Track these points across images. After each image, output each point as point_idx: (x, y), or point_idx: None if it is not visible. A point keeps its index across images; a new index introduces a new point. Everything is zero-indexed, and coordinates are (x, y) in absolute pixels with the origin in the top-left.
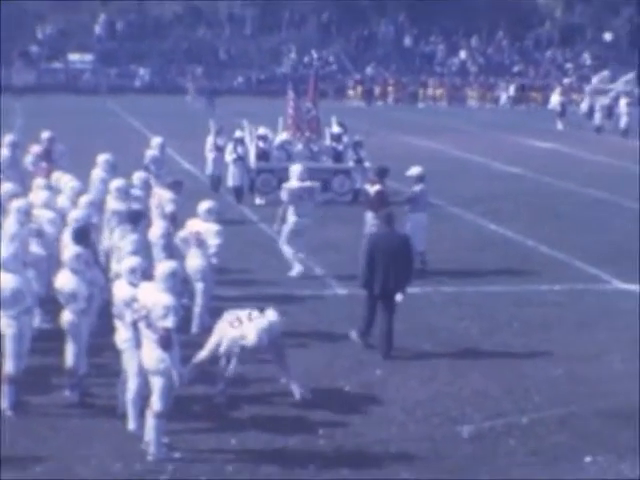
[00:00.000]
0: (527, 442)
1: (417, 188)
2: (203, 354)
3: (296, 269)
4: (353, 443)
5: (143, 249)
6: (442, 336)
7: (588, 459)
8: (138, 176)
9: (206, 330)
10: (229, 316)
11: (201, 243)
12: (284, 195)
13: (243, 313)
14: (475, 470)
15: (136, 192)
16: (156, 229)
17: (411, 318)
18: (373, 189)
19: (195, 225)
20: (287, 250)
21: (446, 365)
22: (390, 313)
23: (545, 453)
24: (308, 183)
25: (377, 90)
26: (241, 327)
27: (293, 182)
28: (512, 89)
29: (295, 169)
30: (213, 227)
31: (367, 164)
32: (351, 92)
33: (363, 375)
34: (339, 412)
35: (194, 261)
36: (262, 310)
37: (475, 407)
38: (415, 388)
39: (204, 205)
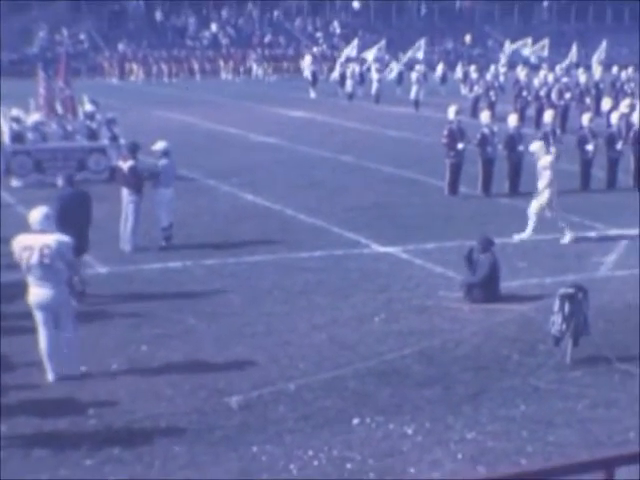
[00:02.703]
0: (296, 408)
1: (161, 163)
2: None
3: None
4: (123, 421)
5: None
6: (205, 309)
7: (356, 421)
8: None
9: None
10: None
11: None
12: None
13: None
14: (247, 439)
15: None
16: None
17: (173, 292)
18: (126, 165)
19: None
20: None
21: (210, 337)
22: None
23: (314, 418)
24: None
25: (130, 66)
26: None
27: None
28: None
29: None
30: None
31: (122, 141)
32: (106, 69)
33: (129, 352)
34: (107, 391)
35: None
36: None
37: (242, 377)
38: (181, 362)
39: None
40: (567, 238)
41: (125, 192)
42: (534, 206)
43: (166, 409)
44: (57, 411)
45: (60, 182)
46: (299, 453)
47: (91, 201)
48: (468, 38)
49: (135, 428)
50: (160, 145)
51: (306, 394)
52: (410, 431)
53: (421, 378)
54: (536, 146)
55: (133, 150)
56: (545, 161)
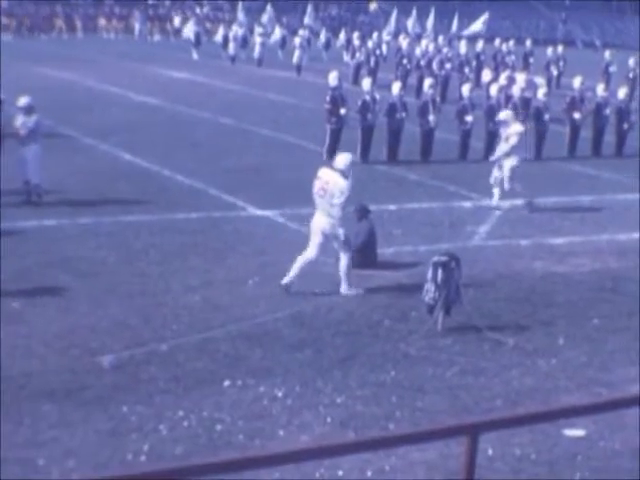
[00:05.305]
0: (168, 369)
1: (31, 119)
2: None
3: None
4: None
5: None
6: (79, 267)
7: (227, 383)
8: None
9: None
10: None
11: None
12: None
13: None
14: (118, 399)
15: None
16: None
17: (47, 250)
18: None
19: None
20: None
21: (84, 296)
22: None
23: (186, 379)
24: None
25: (8, 21)
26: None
27: None
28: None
29: None
30: None
31: (1, 96)
32: None
33: (1, 309)
34: None
35: None
36: None
37: (114, 337)
38: (54, 320)
39: None
40: None
41: None
42: None
43: (37, 367)
44: None
45: None
46: (169, 414)
47: None
48: (373, 6)
49: (4, 386)
50: (23, 101)
51: (178, 355)
52: (280, 394)
53: (293, 341)
54: None
55: None
56: None
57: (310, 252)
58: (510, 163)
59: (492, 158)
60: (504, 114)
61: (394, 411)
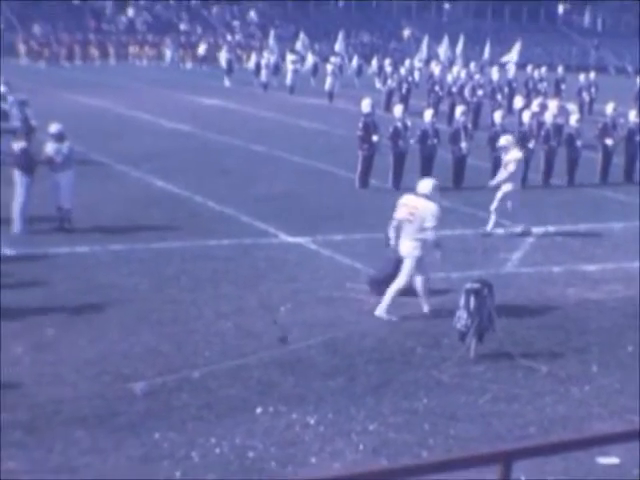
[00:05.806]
0: (200, 396)
1: (64, 146)
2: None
3: None
4: (26, 405)
5: None
6: (111, 294)
7: (259, 410)
8: None
9: None
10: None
11: None
12: None
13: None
14: (149, 425)
15: None
16: None
17: (79, 277)
18: (18, 147)
19: None
20: None
21: (116, 323)
22: None
23: (218, 406)
24: None
25: (43, 48)
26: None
27: None
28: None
29: None
30: None
31: (34, 123)
32: (20, 50)
33: (34, 335)
34: (10, 374)
35: None
36: None
37: (146, 364)
38: (86, 347)
39: None
40: None
41: (17, 174)
42: None
43: (69, 394)
44: None
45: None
46: (201, 441)
47: None
48: (406, 33)
49: (37, 412)
50: (54, 128)
51: (210, 382)
52: (313, 421)
53: (325, 369)
54: None
55: (28, 132)
56: None
57: (401, 279)
58: (506, 188)
59: (491, 184)
60: (504, 140)
61: (427, 438)
